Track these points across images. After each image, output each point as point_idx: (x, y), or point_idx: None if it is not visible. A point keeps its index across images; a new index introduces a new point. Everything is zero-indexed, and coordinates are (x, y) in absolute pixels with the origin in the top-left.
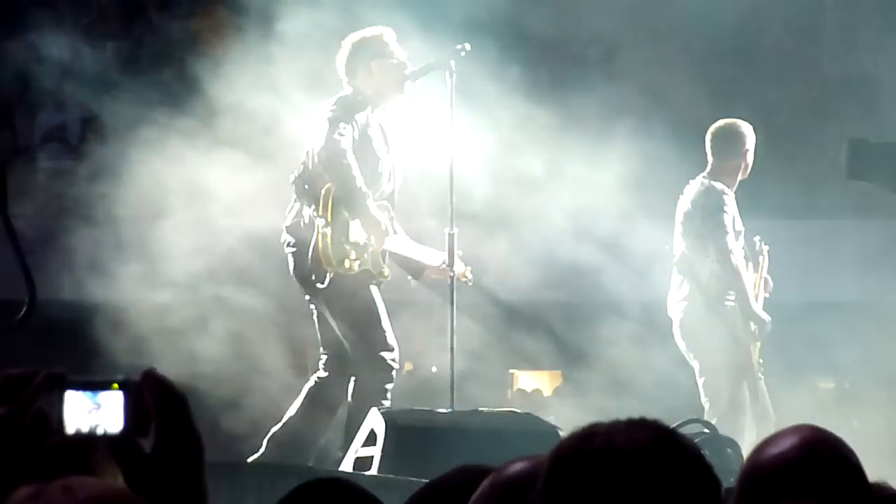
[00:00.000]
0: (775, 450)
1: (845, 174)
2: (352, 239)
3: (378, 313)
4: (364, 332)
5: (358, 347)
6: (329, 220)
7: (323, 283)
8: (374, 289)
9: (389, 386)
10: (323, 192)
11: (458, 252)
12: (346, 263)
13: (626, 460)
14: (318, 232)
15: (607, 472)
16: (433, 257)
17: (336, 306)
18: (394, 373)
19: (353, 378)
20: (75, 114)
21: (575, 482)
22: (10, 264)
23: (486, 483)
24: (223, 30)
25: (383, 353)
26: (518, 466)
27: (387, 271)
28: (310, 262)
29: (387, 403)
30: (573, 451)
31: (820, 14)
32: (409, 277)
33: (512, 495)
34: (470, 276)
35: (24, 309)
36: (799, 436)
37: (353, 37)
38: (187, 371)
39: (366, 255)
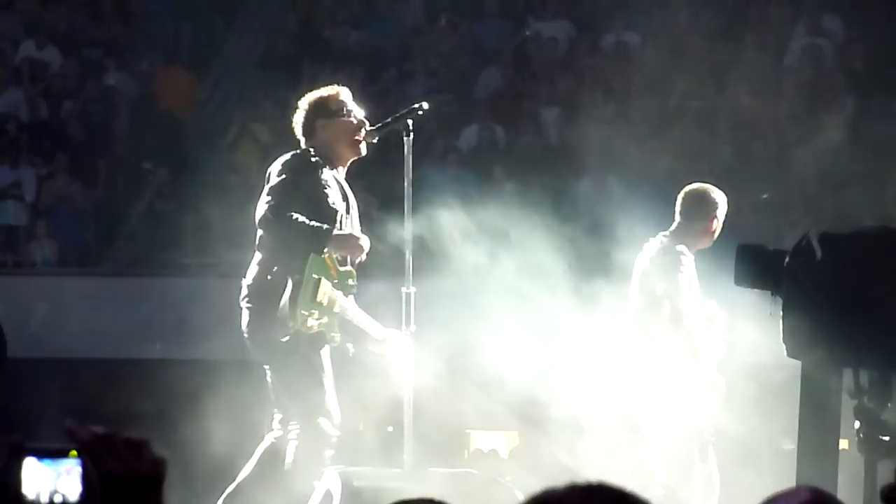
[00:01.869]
0: None
1: (734, 280)
2: (318, 298)
3: (322, 378)
4: (306, 397)
5: (300, 412)
6: (303, 276)
7: (284, 338)
8: (324, 352)
9: (330, 453)
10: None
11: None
12: (310, 322)
13: None
14: (291, 287)
15: None
16: (378, 331)
17: (283, 367)
18: (333, 439)
19: (292, 441)
20: (30, 171)
21: None
22: None
23: None
24: (182, 89)
25: (323, 420)
26: None
27: (338, 337)
28: (276, 329)
29: (326, 468)
30: None
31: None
32: (349, 345)
33: None
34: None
35: None
36: (799, 499)
37: (310, 97)
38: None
39: (326, 318)
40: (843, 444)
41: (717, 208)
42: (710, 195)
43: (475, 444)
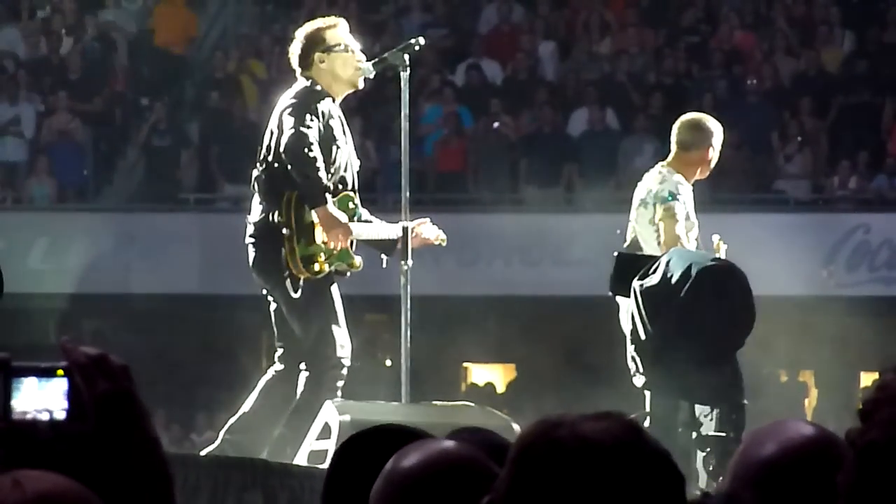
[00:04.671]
0: (780, 442)
1: (609, 288)
2: (318, 240)
3: (335, 312)
4: (319, 329)
5: (312, 344)
6: (293, 227)
7: (296, 293)
8: (334, 286)
9: (340, 383)
10: (285, 198)
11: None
12: (316, 267)
13: (598, 448)
14: (285, 241)
15: (579, 459)
16: (396, 229)
17: (296, 304)
18: (345, 370)
19: (304, 373)
20: (29, 107)
21: (544, 470)
22: None
23: (381, 477)
24: (179, 25)
25: (336, 351)
26: (412, 459)
27: (358, 261)
28: (284, 269)
29: (337, 397)
30: (542, 440)
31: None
32: (382, 255)
33: (409, 488)
34: (444, 238)
35: None
36: (809, 429)
37: (307, 28)
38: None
39: (335, 252)
40: None
41: (712, 137)
42: (705, 124)
43: (472, 377)
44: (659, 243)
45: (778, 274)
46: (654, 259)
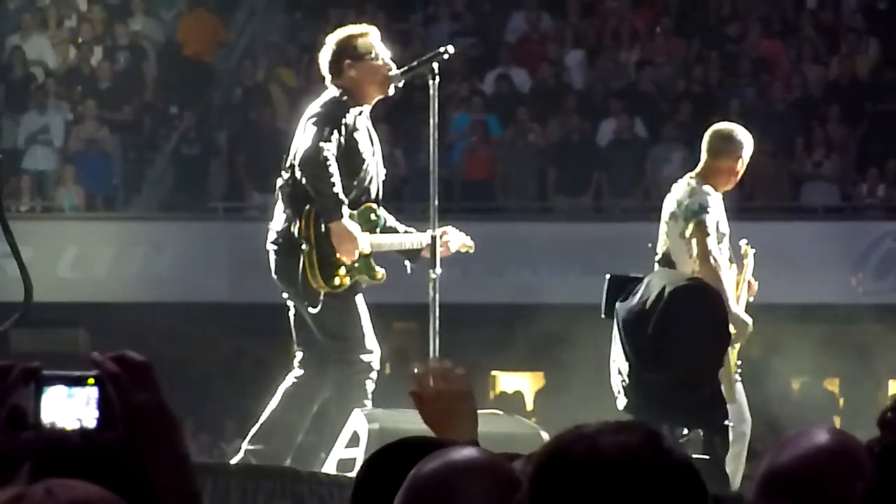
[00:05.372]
0: (798, 451)
1: (603, 313)
2: (337, 256)
3: (360, 319)
4: (345, 335)
5: (338, 350)
6: (313, 242)
7: (316, 308)
8: (359, 295)
9: (371, 386)
10: (305, 212)
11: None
12: (337, 280)
13: (614, 465)
14: (304, 255)
15: (594, 476)
16: (421, 238)
17: (317, 316)
18: (374, 374)
19: (334, 380)
20: (58, 116)
21: (561, 486)
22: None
23: (405, 484)
24: (208, 34)
25: (363, 356)
26: (434, 466)
27: (381, 274)
28: (300, 283)
29: (368, 404)
30: (559, 455)
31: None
32: (406, 262)
33: (431, 495)
34: (471, 244)
35: (21, 309)
36: (818, 441)
37: (337, 35)
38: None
39: (357, 265)
40: None
41: (742, 148)
42: (736, 134)
43: (500, 385)
44: (690, 257)
45: (806, 282)
46: (639, 280)
